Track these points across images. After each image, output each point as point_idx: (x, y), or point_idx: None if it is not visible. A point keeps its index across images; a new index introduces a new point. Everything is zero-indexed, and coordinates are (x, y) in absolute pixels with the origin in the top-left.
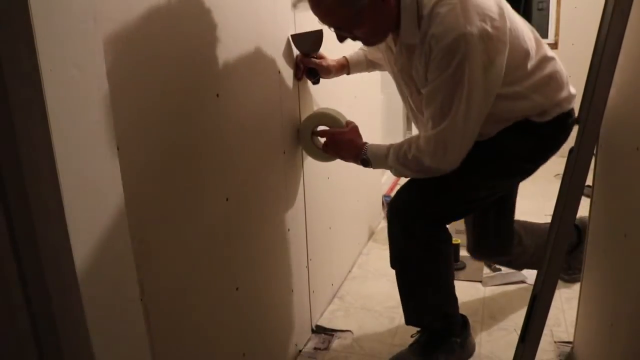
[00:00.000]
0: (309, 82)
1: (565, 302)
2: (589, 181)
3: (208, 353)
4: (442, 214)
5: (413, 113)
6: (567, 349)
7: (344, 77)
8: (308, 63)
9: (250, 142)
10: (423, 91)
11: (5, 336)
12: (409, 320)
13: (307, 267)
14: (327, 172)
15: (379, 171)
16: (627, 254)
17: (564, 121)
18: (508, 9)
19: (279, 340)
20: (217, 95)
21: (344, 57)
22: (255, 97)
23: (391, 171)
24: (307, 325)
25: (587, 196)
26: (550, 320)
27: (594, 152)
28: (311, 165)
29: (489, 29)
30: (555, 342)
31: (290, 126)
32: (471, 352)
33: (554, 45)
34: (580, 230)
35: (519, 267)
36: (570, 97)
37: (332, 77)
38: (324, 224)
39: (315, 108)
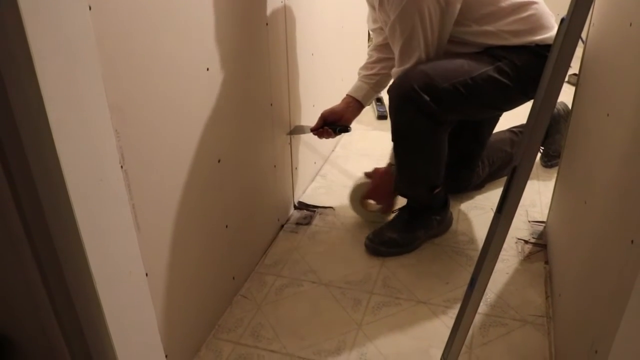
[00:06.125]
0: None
1: (542, 184)
2: (576, 70)
3: (191, 224)
4: (445, 95)
5: None
6: (540, 227)
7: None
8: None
9: (232, 14)
10: (385, 30)
11: None
12: (399, 188)
13: (290, 143)
14: (311, 49)
15: (365, 50)
16: (607, 132)
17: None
18: None
19: (262, 215)
20: None
21: (347, 95)
22: None
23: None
24: (290, 201)
25: (572, 84)
26: (526, 200)
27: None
28: (295, 42)
29: None
30: (529, 221)
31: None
32: (448, 226)
33: None
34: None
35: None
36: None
37: (350, 117)
38: (308, 101)
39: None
